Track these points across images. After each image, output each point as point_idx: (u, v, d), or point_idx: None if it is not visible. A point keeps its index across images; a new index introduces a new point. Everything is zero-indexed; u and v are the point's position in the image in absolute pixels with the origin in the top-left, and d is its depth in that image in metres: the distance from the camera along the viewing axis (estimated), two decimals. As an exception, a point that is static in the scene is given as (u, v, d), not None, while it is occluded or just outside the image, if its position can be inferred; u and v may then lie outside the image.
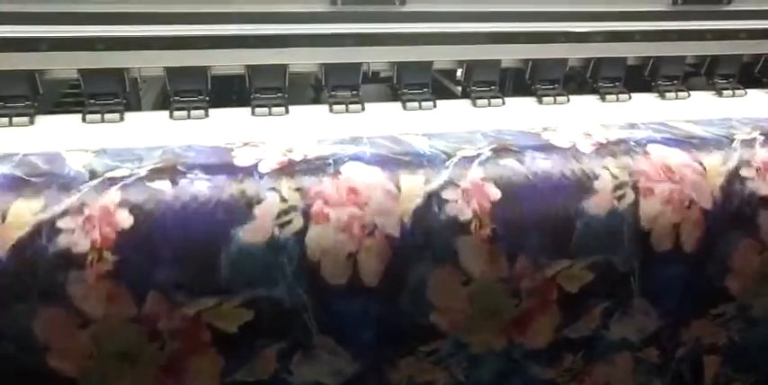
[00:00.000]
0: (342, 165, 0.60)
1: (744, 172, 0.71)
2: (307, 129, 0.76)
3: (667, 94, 0.93)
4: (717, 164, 0.70)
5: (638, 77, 0.96)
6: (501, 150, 0.65)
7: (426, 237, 0.60)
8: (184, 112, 0.77)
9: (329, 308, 0.59)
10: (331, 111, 0.82)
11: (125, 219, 0.53)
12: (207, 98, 0.80)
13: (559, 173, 0.65)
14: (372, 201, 0.58)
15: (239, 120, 0.78)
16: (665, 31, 0.93)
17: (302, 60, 0.82)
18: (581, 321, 0.68)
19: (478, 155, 0.64)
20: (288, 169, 0.58)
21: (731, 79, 0.98)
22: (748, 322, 0.75)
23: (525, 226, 0.64)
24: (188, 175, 0.56)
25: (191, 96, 0.79)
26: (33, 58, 0.75)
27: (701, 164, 0.69)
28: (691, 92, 0.94)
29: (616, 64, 0.93)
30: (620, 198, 0.67)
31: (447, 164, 0.62)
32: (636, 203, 0.67)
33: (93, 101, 0.77)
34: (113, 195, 0.54)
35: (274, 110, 0.79)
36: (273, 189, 0.57)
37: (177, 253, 0.54)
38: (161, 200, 0.55)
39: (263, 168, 0.58)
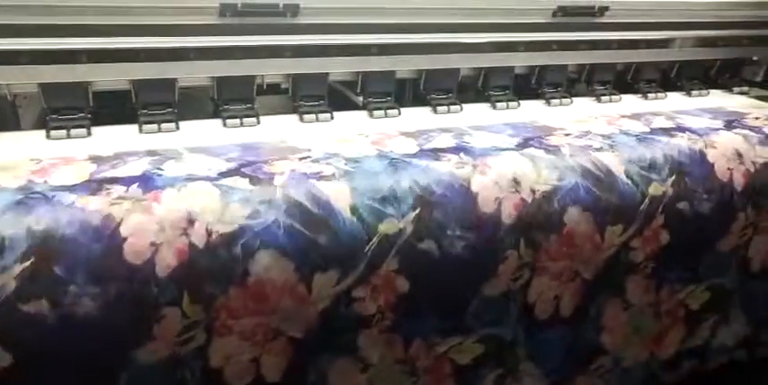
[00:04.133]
0: (251, 259, 0.54)
1: (633, 243, 0.75)
2: (198, 144, 0.68)
3: (552, 101, 0.95)
4: (615, 235, 0.72)
5: (527, 86, 0.99)
6: (424, 225, 0.62)
7: (329, 335, 0.59)
8: (63, 132, 0.68)
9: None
10: (225, 125, 0.76)
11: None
12: (89, 115, 0.72)
13: (471, 257, 0.64)
14: (280, 306, 0.55)
15: (126, 138, 0.70)
16: (546, 41, 0.96)
17: (192, 74, 0.77)
18: (476, 390, 0.70)
19: (400, 233, 0.61)
20: (189, 273, 0.52)
21: (608, 85, 1.02)
22: (623, 371, 0.81)
23: (424, 312, 0.65)
24: (69, 290, 0.49)
25: (70, 114, 0.72)
26: None
27: (601, 236, 0.71)
28: (574, 98, 0.97)
29: (505, 73, 0.94)
30: (516, 279, 0.69)
31: (366, 249, 0.59)
32: (528, 281, 0.70)
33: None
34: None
35: (164, 126, 0.72)
36: (173, 303, 0.52)
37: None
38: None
39: (160, 269, 0.51)
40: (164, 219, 0.52)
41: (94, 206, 0.51)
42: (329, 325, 0.59)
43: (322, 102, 0.82)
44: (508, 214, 0.65)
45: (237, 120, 0.77)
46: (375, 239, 0.59)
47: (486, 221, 0.64)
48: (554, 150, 0.72)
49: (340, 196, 0.58)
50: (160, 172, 0.57)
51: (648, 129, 0.81)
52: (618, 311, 0.77)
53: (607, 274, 0.74)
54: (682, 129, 0.82)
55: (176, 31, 0.74)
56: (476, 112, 0.88)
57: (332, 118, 0.81)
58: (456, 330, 0.67)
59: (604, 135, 0.78)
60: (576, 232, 0.69)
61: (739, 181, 0.79)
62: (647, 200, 0.73)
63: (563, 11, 0.91)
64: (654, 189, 0.73)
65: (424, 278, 0.62)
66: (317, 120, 0.81)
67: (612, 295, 0.76)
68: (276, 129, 0.77)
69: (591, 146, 0.74)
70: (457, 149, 0.69)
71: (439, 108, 0.87)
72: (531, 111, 0.91)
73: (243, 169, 0.59)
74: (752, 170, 0.80)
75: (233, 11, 0.74)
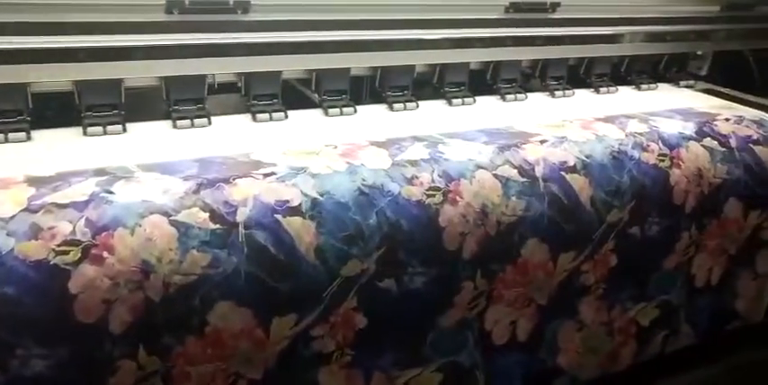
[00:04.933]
0: (210, 309, 0.51)
1: (584, 267, 0.75)
2: (145, 149, 0.66)
3: (507, 96, 0.94)
4: (567, 261, 0.73)
5: (482, 81, 0.98)
6: (387, 264, 0.60)
7: (290, 373, 0.58)
8: (0, 136, 0.64)
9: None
10: (175, 126, 0.73)
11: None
12: (28, 118, 0.67)
13: (429, 290, 0.63)
14: (238, 351, 0.53)
15: (68, 141, 0.66)
16: (500, 37, 0.95)
17: (138, 74, 0.72)
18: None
19: (362, 273, 0.59)
20: (145, 327, 0.49)
21: (561, 80, 1.02)
22: None
23: (383, 346, 0.64)
24: (17, 353, 0.46)
25: (8, 117, 0.66)
26: None
27: (554, 263, 0.71)
28: (529, 93, 0.96)
29: (460, 69, 0.92)
30: (472, 308, 0.69)
31: (325, 293, 0.57)
32: (485, 309, 0.70)
33: None
34: None
35: (110, 128, 0.69)
36: (129, 356, 0.49)
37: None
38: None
39: (114, 326, 0.48)
40: (117, 273, 0.48)
41: (37, 255, 0.47)
42: (288, 364, 0.57)
43: (276, 101, 0.79)
44: (470, 250, 0.64)
45: (188, 122, 0.74)
46: (336, 282, 0.57)
47: (447, 257, 0.63)
48: (528, 171, 0.69)
49: (305, 238, 0.55)
50: (110, 197, 0.52)
51: (623, 137, 0.79)
52: (572, 332, 0.78)
53: (560, 298, 0.74)
54: (654, 137, 0.81)
55: (121, 28, 0.70)
56: (432, 109, 0.88)
57: (286, 117, 0.79)
58: (415, 361, 0.66)
59: (580, 146, 0.75)
60: (531, 261, 0.69)
61: (691, 203, 0.80)
62: (603, 226, 0.74)
63: (515, 7, 0.90)
64: (612, 216, 0.74)
65: (382, 314, 0.61)
66: (271, 119, 0.78)
67: (566, 318, 0.77)
68: (228, 130, 0.74)
69: (565, 163, 0.72)
70: (428, 167, 0.66)
71: (395, 105, 0.86)
72: (487, 108, 0.91)
73: (202, 194, 0.54)
74: (705, 192, 0.81)
75: (180, 8, 0.70)
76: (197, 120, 0.74)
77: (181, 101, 0.75)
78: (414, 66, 0.88)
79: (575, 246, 0.72)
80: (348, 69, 0.83)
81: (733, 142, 0.85)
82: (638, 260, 0.79)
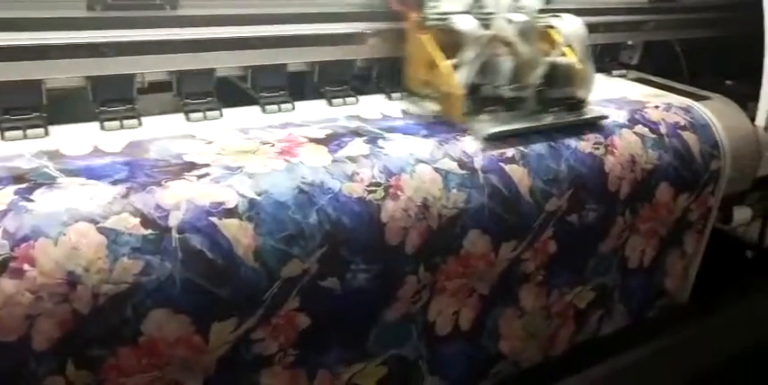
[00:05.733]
0: (144, 318, 0.49)
1: (525, 255, 0.75)
2: (70, 150, 0.62)
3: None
4: (508, 250, 0.73)
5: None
6: (329, 263, 0.58)
7: (231, 377, 0.56)
8: None
9: None
10: (103, 128, 0.69)
11: None
12: None
13: (372, 286, 0.62)
14: (175, 359, 0.51)
15: None
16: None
17: (59, 74, 0.68)
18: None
19: (304, 274, 0.57)
20: (73, 342, 0.47)
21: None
22: (522, 372, 0.83)
23: (326, 345, 0.63)
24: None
25: None
26: None
27: (495, 253, 0.72)
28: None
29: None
30: (416, 302, 0.68)
31: (266, 296, 0.55)
32: (428, 302, 0.70)
33: None
34: None
35: (30, 132, 0.64)
36: (56, 373, 0.46)
37: None
38: None
39: (38, 344, 0.45)
40: (40, 286, 0.45)
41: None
42: (230, 369, 0.55)
43: (210, 99, 0.77)
44: (413, 244, 0.64)
45: (117, 123, 0.70)
46: (277, 284, 0.55)
47: (389, 252, 0.62)
48: (467, 163, 0.69)
49: (243, 240, 0.53)
50: (29, 206, 0.49)
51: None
52: (513, 319, 0.78)
53: (501, 287, 0.75)
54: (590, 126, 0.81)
55: (38, 25, 0.66)
56: (372, 103, 0.86)
57: (221, 115, 0.76)
58: (360, 357, 0.66)
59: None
60: (472, 252, 0.69)
61: (625, 189, 0.81)
62: (542, 215, 0.74)
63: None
64: (550, 204, 0.74)
65: (325, 312, 0.60)
66: (205, 118, 0.75)
67: (507, 305, 0.78)
68: (160, 130, 0.71)
69: (504, 154, 0.72)
70: (368, 162, 0.64)
71: (334, 101, 0.84)
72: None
73: (132, 198, 0.52)
74: (638, 178, 0.83)
75: (103, 4, 0.67)
76: (126, 122, 0.71)
77: (108, 101, 0.71)
78: (354, 60, 0.86)
79: (515, 235, 0.72)
80: (285, 65, 0.81)
81: (663, 129, 0.87)
82: (575, 246, 0.80)
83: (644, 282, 0.93)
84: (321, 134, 0.70)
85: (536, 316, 0.81)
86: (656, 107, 0.91)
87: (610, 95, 0.95)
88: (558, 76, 0.80)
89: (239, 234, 0.53)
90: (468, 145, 0.72)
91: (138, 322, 0.49)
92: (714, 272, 1.02)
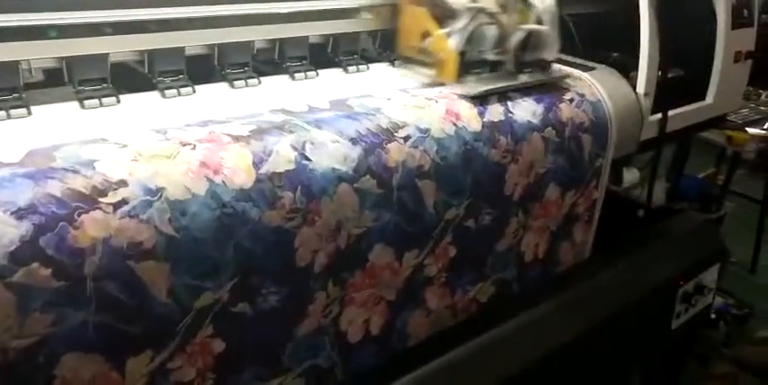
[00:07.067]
0: (56, 363, 0.48)
1: (427, 261, 0.79)
2: None
3: (349, 69, 0.91)
4: (410, 259, 0.76)
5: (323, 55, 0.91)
6: (240, 291, 0.59)
7: None
8: None
9: None
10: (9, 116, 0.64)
11: None
12: None
13: (283, 306, 0.63)
14: None
15: None
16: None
17: None
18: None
19: (215, 303, 0.58)
20: None
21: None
22: None
23: (243, 365, 0.64)
24: None
25: None
26: None
27: (399, 262, 0.75)
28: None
29: (300, 44, 0.86)
30: (327, 315, 0.71)
31: (179, 327, 0.56)
32: (339, 314, 0.73)
33: None
34: None
35: None
36: None
37: None
38: None
39: None
40: None
41: None
42: None
43: (105, 85, 0.73)
44: (320, 263, 0.66)
45: (3, 113, 0.67)
46: (190, 315, 0.56)
47: (298, 274, 0.64)
48: (386, 180, 0.70)
49: (158, 280, 0.53)
50: None
51: (479, 129, 0.80)
52: (421, 319, 0.83)
53: (407, 291, 0.79)
54: (506, 129, 0.83)
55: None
56: (274, 85, 0.85)
57: (118, 101, 0.73)
58: (277, 372, 0.68)
59: (439, 142, 0.76)
60: (378, 264, 0.72)
61: (519, 192, 0.86)
62: (441, 224, 0.78)
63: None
64: (449, 213, 0.78)
65: (239, 335, 0.61)
66: (102, 105, 0.71)
67: (414, 307, 0.82)
68: (52, 121, 0.66)
69: (421, 168, 0.73)
70: (292, 184, 0.63)
71: (236, 82, 0.83)
72: (330, 81, 0.88)
73: (42, 242, 0.48)
74: (532, 181, 0.87)
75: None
76: (14, 111, 0.67)
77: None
78: (253, 42, 0.83)
79: (417, 244, 0.76)
80: (182, 48, 0.77)
81: (567, 131, 0.91)
82: (473, 248, 0.85)
83: (540, 272, 1.00)
84: (245, 131, 0.65)
85: (442, 313, 0.86)
86: (571, 101, 0.93)
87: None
88: (531, 42, 0.90)
89: (155, 275, 0.53)
90: (392, 155, 0.72)
91: (51, 368, 0.49)
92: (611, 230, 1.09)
